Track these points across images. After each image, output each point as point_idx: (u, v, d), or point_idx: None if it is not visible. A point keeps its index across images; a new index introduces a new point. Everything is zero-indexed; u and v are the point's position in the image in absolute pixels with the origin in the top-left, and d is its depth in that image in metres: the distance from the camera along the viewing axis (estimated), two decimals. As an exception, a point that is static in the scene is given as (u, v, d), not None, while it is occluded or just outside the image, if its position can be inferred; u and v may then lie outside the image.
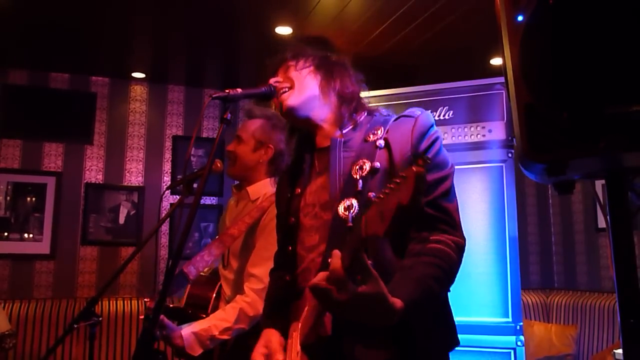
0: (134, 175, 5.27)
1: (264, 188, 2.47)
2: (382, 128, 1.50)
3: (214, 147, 1.70)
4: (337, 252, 1.16)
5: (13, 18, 3.99)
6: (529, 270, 5.74)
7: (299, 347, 1.43)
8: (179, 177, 5.22)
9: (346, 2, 3.73)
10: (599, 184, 4.34)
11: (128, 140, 5.31)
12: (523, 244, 5.60)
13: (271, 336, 1.58)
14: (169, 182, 5.31)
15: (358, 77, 1.66)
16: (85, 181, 5.11)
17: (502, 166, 3.05)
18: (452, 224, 1.38)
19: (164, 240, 5.24)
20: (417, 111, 1.49)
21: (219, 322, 2.21)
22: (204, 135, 5.57)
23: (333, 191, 1.48)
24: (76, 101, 5.17)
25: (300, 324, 1.46)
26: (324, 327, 1.36)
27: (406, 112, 1.51)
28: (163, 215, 4.69)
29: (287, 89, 1.60)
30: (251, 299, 2.24)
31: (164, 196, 5.20)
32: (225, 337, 2.20)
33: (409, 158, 1.40)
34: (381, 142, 1.46)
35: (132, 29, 4.25)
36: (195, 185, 2.19)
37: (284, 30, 4.13)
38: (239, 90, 1.74)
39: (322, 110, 1.60)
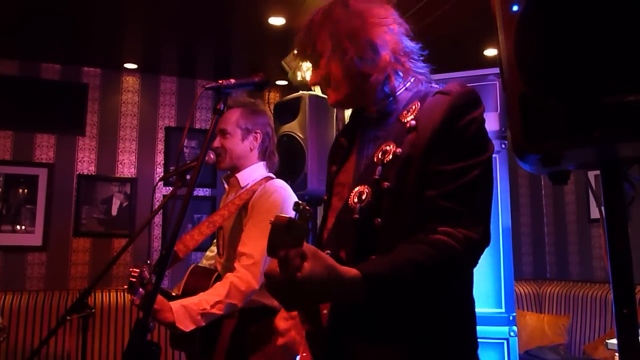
0: (127, 167, 5.25)
1: (254, 173, 2.47)
2: (419, 104, 1.32)
3: (207, 138, 1.69)
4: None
5: (3, 7, 3.94)
6: (522, 261, 5.76)
7: None
8: (171, 168, 5.21)
9: (339, -8, 3.71)
10: (591, 174, 4.35)
11: (120, 132, 5.28)
12: (516, 235, 5.62)
13: None
14: (162, 174, 5.30)
15: (398, 28, 1.41)
16: (77, 172, 5.09)
17: (495, 157, 3.05)
18: (471, 218, 1.21)
19: (157, 231, 5.23)
20: (457, 87, 1.29)
21: (209, 296, 2.16)
22: (197, 126, 5.55)
23: (356, 174, 1.37)
24: (68, 92, 5.13)
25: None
26: (321, 318, 1.31)
27: (446, 87, 1.31)
28: (156, 206, 4.67)
29: (326, 85, 1.44)
30: (242, 274, 2.21)
31: (156, 187, 5.19)
32: (216, 311, 2.14)
33: (436, 140, 1.24)
34: (412, 122, 1.29)
35: (124, 19, 4.22)
36: (188, 177, 2.18)
37: (277, 20, 4.11)
38: (232, 80, 1.72)
39: (367, 92, 1.40)
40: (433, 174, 1.24)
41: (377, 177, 1.27)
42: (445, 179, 1.22)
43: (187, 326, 2.08)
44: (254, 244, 2.27)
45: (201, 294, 2.22)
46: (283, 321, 1.50)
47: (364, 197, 1.28)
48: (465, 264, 1.25)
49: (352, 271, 1.11)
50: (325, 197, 1.51)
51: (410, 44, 1.43)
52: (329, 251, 1.33)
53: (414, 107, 1.33)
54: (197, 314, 2.11)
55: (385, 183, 1.26)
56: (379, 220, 1.25)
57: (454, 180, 1.22)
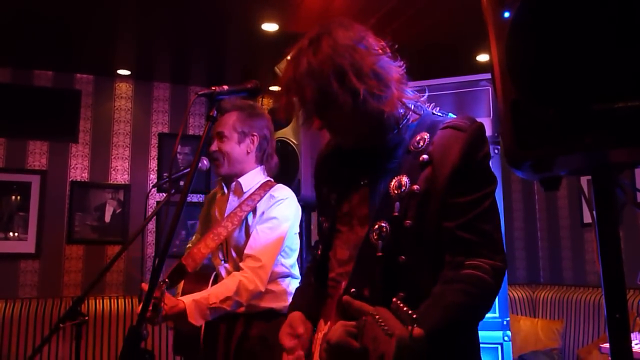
0: (120, 173, 5.23)
1: (255, 177, 2.48)
2: (428, 135, 1.33)
3: (200, 145, 1.69)
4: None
5: (-5, 15, 3.94)
6: (515, 266, 5.78)
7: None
8: (165, 175, 5.20)
9: (332, -1, 3.73)
10: (583, 179, 4.37)
11: (113, 138, 5.26)
12: (509, 240, 5.64)
13: (294, 315, 1.49)
14: (155, 180, 5.28)
15: (389, 64, 1.34)
16: (70, 179, 5.07)
17: (488, 162, 3.05)
18: (490, 247, 1.26)
19: (151, 238, 5.21)
20: (467, 122, 1.31)
21: (219, 291, 2.19)
22: (190, 132, 5.54)
23: (372, 208, 1.35)
24: (60, 99, 5.11)
25: (324, 332, 1.40)
26: None
27: (457, 122, 1.32)
28: (149, 213, 4.66)
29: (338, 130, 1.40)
30: (249, 275, 2.24)
31: (150, 194, 5.16)
32: (225, 307, 2.17)
33: (455, 176, 1.27)
34: (425, 157, 1.30)
35: (117, 25, 4.21)
36: (181, 183, 2.18)
37: (270, 26, 4.12)
38: (225, 87, 1.72)
39: (372, 127, 1.36)
40: (449, 207, 1.27)
41: (396, 213, 1.28)
42: (461, 211, 1.27)
43: (197, 320, 2.10)
44: (263, 248, 2.29)
45: (210, 288, 2.24)
46: (288, 338, 1.44)
47: (383, 233, 1.29)
48: (497, 293, 1.29)
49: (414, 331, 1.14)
50: (326, 225, 1.48)
51: (402, 71, 1.36)
52: (353, 289, 1.32)
53: (422, 138, 1.34)
54: (206, 308, 2.13)
55: (407, 222, 1.27)
56: (403, 257, 1.28)
57: (468, 211, 1.27)
